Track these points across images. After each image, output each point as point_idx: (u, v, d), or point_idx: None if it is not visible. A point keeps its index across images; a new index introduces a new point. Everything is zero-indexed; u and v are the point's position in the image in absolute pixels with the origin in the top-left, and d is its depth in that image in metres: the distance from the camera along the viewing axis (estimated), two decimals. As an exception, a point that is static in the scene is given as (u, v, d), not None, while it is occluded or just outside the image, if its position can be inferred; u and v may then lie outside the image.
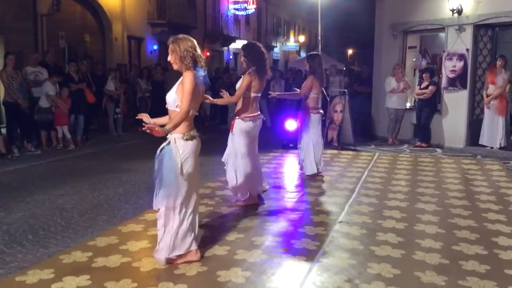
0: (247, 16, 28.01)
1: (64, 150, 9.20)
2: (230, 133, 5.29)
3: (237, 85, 5.29)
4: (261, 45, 5.39)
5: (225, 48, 26.46)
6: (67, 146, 9.35)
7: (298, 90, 6.88)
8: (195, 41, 3.76)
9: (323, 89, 9.82)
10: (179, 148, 3.65)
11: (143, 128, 3.51)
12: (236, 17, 26.66)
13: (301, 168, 6.95)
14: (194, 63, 3.69)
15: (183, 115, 3.59)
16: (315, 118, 6.73)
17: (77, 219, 5.08)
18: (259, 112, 5.31)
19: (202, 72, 3.71)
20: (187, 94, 3.58)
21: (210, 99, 5.02)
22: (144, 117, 3.80)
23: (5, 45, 11.65)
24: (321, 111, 6.91)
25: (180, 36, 3.77)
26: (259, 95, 5.26)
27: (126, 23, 16.74)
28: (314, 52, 7.63)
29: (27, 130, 9.06)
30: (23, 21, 12.40)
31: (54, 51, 11.59)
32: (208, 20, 23.60)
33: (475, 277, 3.56)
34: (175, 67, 3.76)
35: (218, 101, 5.62)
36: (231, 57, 26.94)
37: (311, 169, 6.77)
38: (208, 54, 23.93)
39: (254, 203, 5.37)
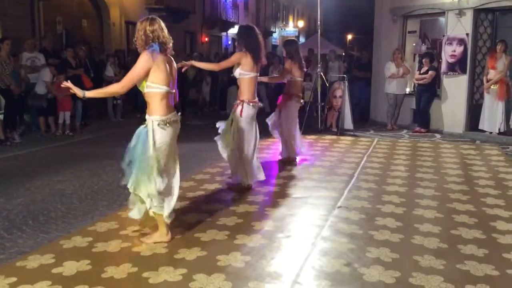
0: (246, 1, 27.81)
1: (63, 136, 9.18)
2: (233, 114, 5.32)
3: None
4: (256, 28, 5.42)
5: (224, 34, 26.28)
6: (65, 132, 9.33)
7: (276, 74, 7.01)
8: (158, 23, 3.74)
9: (321, 74, 9.86)
10: (156, 134, 3.70)
11: (62, 84, 3.71)
12: (234, 2, 26.46)
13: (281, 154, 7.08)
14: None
15: (116, 88, 3.76)
16: (296, 104, 6.77)
17: (77, 204, 5.09)
18: (257, 99, 5.41)
19: (156, 46, 3.70)
20: (132, 72, 3.67)
21: (191, 62, 5.18)
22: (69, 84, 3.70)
23: (2, 31, 11.56)
24: (302, 100, 6.96)
25: (144, 18, 3.81)
26: (256, 75, 5.31)
27: (124, 8, 16.59)
28: (290, 39, 7.72)
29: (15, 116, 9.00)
30: (20, 6, 12.29)
31: (51, 36, 11.49)
32: (206, 5, 23.41)
33: (474, 261, 3.59)
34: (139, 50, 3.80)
35: (198, 64, 5.76)
36: (229, 42, 26.78)
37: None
38: (206, 39, 23.80)
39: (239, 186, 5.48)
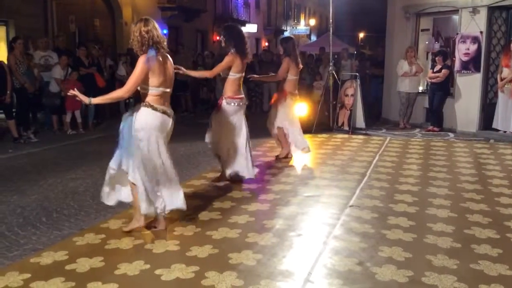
0: (257, -1, 27.75)
1: (76, 134, 9.25)
2: (214, 112, 5.54)
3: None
4: (241, 28, 5.69)
5: (235, 32, 26.25)
6: (77, 130, 9.40)
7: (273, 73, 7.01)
8: (152, 23, 3.85)
9: (334, 72, 9.82)
10: (141, 116, 3.83)
11: (68, 93, 3.85)
12: (246, 0, 26.43)
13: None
14: (150, 45, 3.81)
15: (120, 93, 3.82)
16: (291, 103, 6.75)
17: (89, 202, 5.13)
18: (243, 95, 5.56)
19: (152, 52, 3.79)
20: (132, 76, 3.78)
21: (183, 70, 5.11)
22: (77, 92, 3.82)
23: (15, 29, 11.68)
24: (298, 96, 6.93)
25: (138, 20, 3.93)
26: (241, 75, 5.48)
27: (136, 8, 16.66)
28: (287, 36, 7.69)
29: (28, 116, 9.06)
30: (33, 5, 12.42)
31: (64, 35, 11.58)
32: (218, 4, 23.43)
33: (487, 260, 3.55)
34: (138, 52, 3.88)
35: (192, 73, 5.92)
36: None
37: (302, 144, 6.88)
38: (217, 38, 23.84)
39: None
